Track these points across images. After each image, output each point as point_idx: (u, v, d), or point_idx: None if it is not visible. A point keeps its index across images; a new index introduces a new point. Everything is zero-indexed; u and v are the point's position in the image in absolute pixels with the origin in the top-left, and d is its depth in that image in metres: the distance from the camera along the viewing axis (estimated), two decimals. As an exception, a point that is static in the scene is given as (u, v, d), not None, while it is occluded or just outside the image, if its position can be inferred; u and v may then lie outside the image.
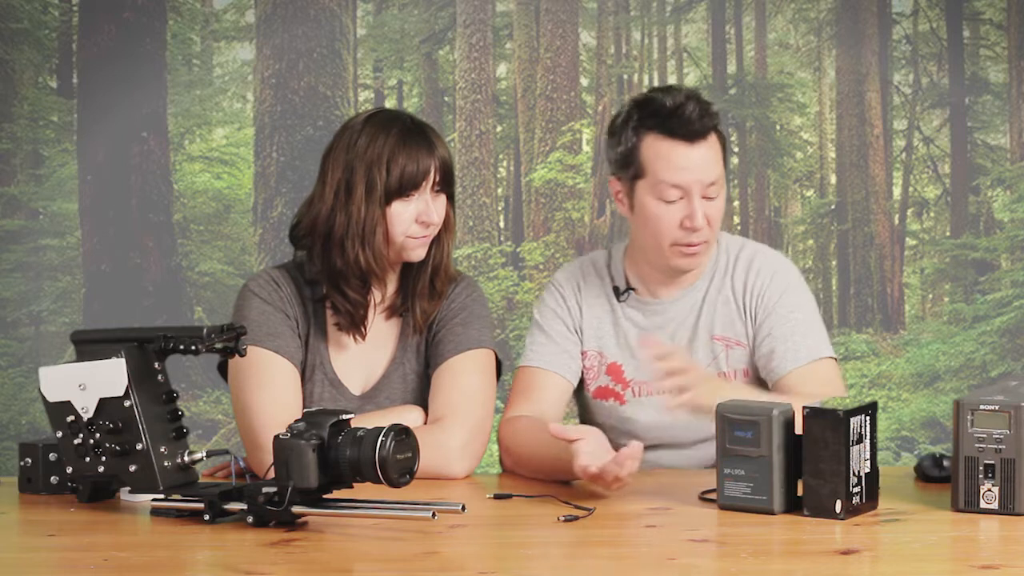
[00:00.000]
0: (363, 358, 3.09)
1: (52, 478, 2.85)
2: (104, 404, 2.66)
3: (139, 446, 2.65)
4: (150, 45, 5.40)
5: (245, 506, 2.58)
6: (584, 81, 5.51)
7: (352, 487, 2.56)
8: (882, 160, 5.52)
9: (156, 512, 2.67)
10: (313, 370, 3.06)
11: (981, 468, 2.57)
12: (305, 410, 2.61)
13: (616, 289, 3.16)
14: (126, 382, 2.65)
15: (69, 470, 2.71)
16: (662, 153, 3.01)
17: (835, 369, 3.10)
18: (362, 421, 2.66)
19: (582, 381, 3.19)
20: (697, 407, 2.79)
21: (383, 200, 2.97)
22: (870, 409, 2.61)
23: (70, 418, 2.69)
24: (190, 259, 5.45)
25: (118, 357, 2.65)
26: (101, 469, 2.68)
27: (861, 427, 2.58)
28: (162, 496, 2.66)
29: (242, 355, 2.70)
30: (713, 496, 2.68)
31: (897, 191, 5.53)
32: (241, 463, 2.85)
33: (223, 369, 3.06)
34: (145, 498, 2.70)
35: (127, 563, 2.42)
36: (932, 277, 5.53)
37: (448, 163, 3.02)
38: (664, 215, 3.02)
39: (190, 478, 2.70)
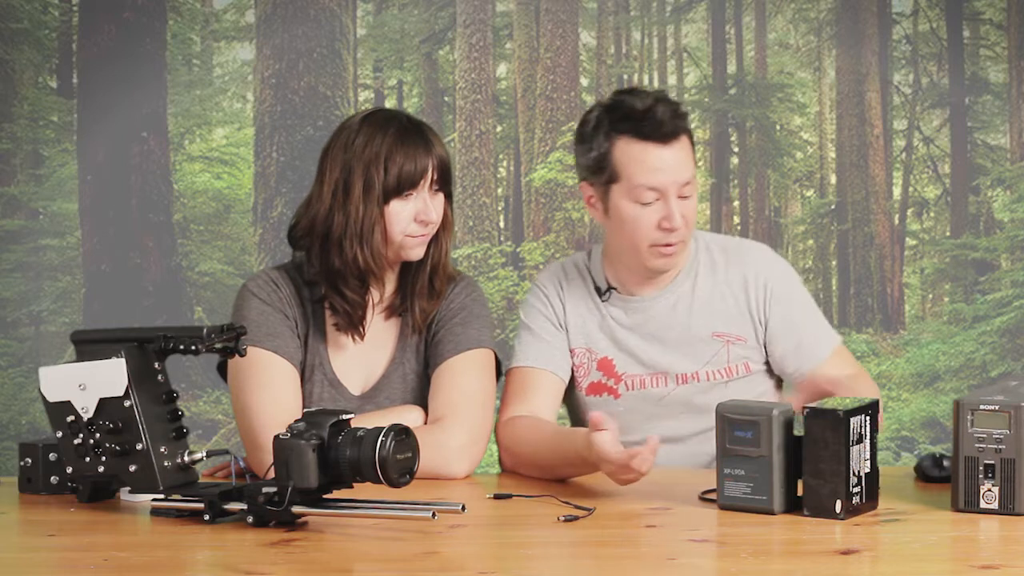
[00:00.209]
0: (362, 358, 3.09)
1: (52, 478, 2.85)
2: (104, 404, 2.66)
3: (139, 446, 2.65)
4: (150, 45, 5.40)
5: (245, 506, 2.58)
6: (584, 81, 5.51)
7: (352, 487, 2.56)
8: (882, 160, 5.53)
9: (156, 512, 2.67)
10: (312, 370, 3.06)
11: (981, 468, 2.57)
12: (305, 410, 2.61)
13: (598, 289, 3.18)
14: (126, 382, 2.65)
15: (69, 470, 2.71)
16: (636, 156, 3.03)
17: (847, 349, 3.25)
18: (362, 421, 2.66)
19: (572, 380, 3.19)
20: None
21: (381, 199, 2.97)
22: (870, 409, 2.61)
23: (70, 418, 2.69)
24: (190, 259, 5.45)
25: (118, 357, 2.65)
26: (101, 469, 2.68)
27: (861, 427, 2.58)
28: (162, 496, 2.66)
29: (242, 355, 2.70)
30: (713, 496, 2.68)
31: (897, 191, 5.53)
32: (241, 463, 2.85)
33: (222, 370, 3.06)
34: (145, 498, 2.70)
35: (127, 563, 2.42)
36: (932, 277, 5.53)
37: (446, 162, 3.02)
38: (641, 217, 3.04)
39: (190, 478, 2.70)
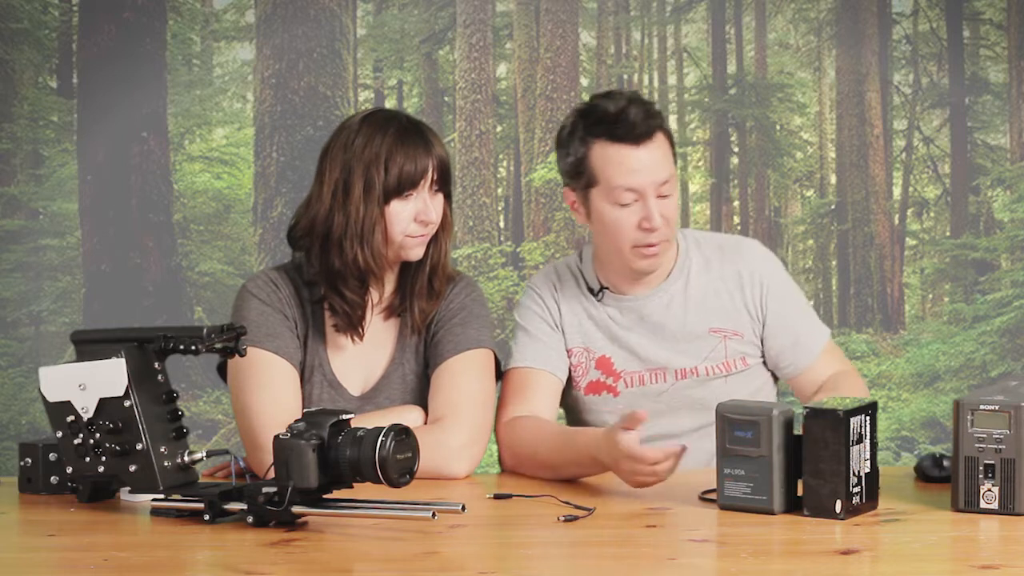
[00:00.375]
0: (362, 359, 3.09)
1: (52, 478, 2.85)
2: (104, 404, 2.66)
3: (139, 446, 2.65)
4: (150, 45, 5.40)
5: (245, 506, 2.58)
6: (584, 81, 5.51)
7: (352, 487, 2.56)
8: (882, 160, 5.53)
9: (156, 512, 2.67)
10: (312, 371, 3.06)
11: (981, 468, 2.57)
12: (305, 410, 2.61)
13: (591, 290, 3.19)
14: (126, 382, 2.65)
15: (69, 470, 2.71)
16: (612, 158, 3.04)
17: (833, 343, 3.27)
18: (362, 421, 2.66)
19: (570, 381, 3.19)
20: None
21: (381, 199, 2.97)
22: (870, 409, 2.61)
23: (70, 418, 2.69)
24: (190, 259, 5.45)
25: (118, 357, 2.65)
26: (101, 469, 2.68)
27: (861, 427, 2.58)
28: (162, 496, 2.66)
29: (242, 355, 2.70)
30: (713, 496, 2.68)
31: (897, 191, 5.53)
32: (241, 463, 2.85)
33: (222, 371, 3.06)
34: (145, 498, 2.70)
35: (127, 563, 2.42)
36: (932, 277, 5.53)
37: (445, 162, 3.02)
38: (621, 219, 3.05)
39: (190, 478, 2.70)
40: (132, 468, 2.66)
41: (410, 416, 2.98)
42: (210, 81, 5.47)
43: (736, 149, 5.56)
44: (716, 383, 3.14)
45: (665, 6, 5.50)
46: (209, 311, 5.42)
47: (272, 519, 2.56)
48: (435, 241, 3.04)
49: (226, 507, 2.60)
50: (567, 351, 3.19)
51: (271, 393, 2.97)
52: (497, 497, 2.79)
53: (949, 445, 2.67)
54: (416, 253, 3.02)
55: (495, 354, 3.10)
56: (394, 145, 2.97)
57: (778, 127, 5.54)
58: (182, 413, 2.71)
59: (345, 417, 2.57)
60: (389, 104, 5.49)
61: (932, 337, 5.47)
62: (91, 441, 2.67)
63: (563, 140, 3.11)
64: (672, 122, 5.54)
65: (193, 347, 2.64)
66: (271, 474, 2.57)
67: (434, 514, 2.48)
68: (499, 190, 5.52)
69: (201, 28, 5.47)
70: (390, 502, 2.54)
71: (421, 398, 3.06)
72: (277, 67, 5.42)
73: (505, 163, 5.54)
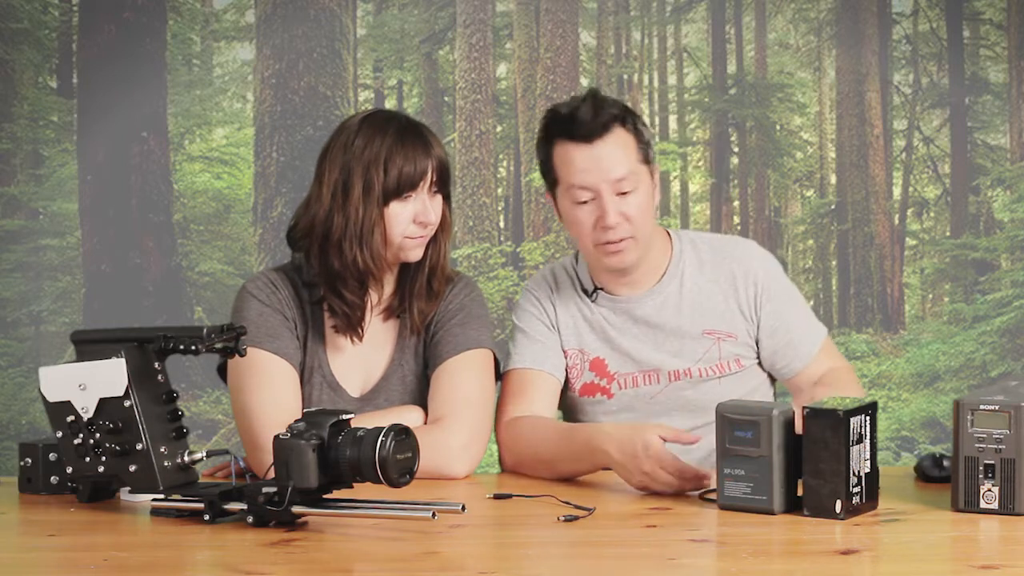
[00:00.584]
0: (361, 360, 3.09)
1: (52, 478, 2.85)
2: (104, 404, 2.66)
3: (139, 446, 2.65)
4: (150, 45, 5.40)
5: (245, 506, 2.58)
6: (584, 81, 5.51)
7: (352, 487, 2.56)
8: (882, 160, 5.53)
9: (156, 512, 2.67)
10: (312, 373, 3.06)
11: (981, 468, 2.57)
12: (305, 410, 2.61)
13: (585, 291, 3.20)
14: (126, 382, 2.65)
15: (69, 470, 2.71)
16: (566, 157, 3.07)
17: (832, 342, 3.26)
18: (362, 421, 2.66)
19: (566, 382, 3.20)
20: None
21: (381, 201, 2.97)
22: (870, 409, 2.61)
23: (70, 418, 2.69)
24: (190, 259, 5.45)
25: (118, 357, 2.65)
26: (101, 469, 2.68)
27: (861, 427, 2.58)
28: (162, 496, 2.66)
29: (242, 355, 2.70)
30: (713, 496, 2.68)
31: (897, 191, 5.53)
32: (241, 463, 2.85)
33: (222, 372, 3.06)
34: (145, 498, 2.70)
35: (127, 563, 2.42)
36: (932, 277, 5.53)
37: (445, 163, 3.02)
38: (581, 217, 3.07)
39: (190, 478, 2.70)
40: (132, 468, 2.66)
41: (410, 416, 2.98)
42: (210, 81, 5.47)
43: (736, 149, 5.56)
44: (710, 384, 3.14)
45: (665, 6, 5.50)
46: (209, 311, 5.42)
47: (272, 519, 2.56)
48: (434, 242, 3.04)
49: (226, 507, 2.60)
50: (563, 352, 3.19)
51: (271, 393, 2.97)
52: (497, 497, 2.79)
53: (949, 445, 2.67)
54: (415, 254, 3.02)
55: (494, 354, 3.10)
56: (394, 146, 2.97)
57: (778, 127, 5.54)
58: (182, 413, 2.71)
59: (345, 417, 2.57)
60: (389, 104, 5.49)
61: (932, 337, 5.47)
62: (91, 441, 2.67)
63: (536, 144, 3.16)
64: (672, 122, 5.54)
65: (193, 347, 2.64)
66: (271, 474, 2.57)
67: (434, 514, 2.48)
68: (499, 190, 5.52)
69: (201, 28, 5.47)
70: (390, 502, 2.54)
71: (420, 399, 3.06)
72: (277, 67, 5.42)
73: (505, 163, 5.54)
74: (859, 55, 5.48)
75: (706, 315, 3.16)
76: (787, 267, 5.47)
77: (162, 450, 2.66)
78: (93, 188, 5.38)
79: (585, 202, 3.06)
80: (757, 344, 3.18)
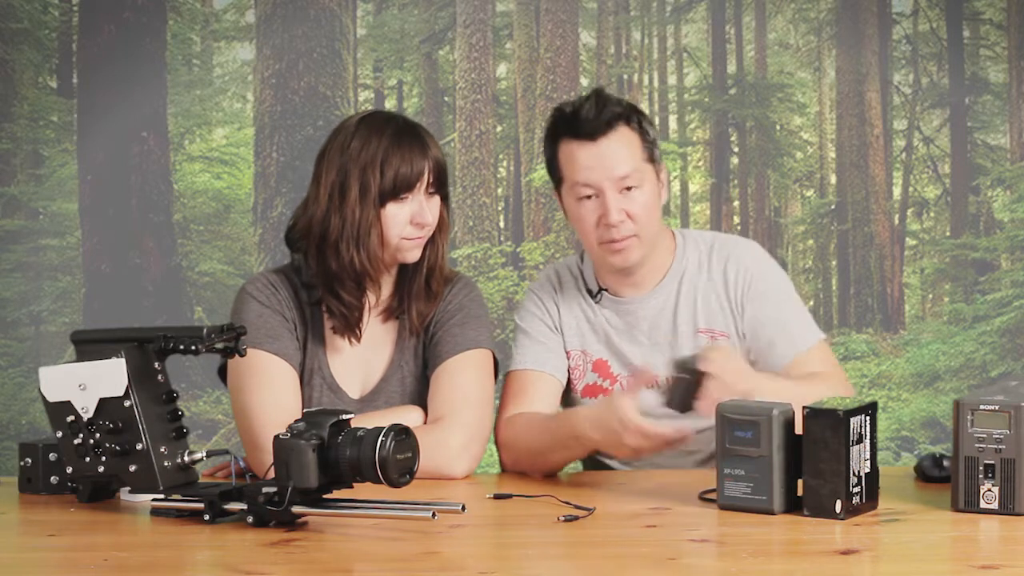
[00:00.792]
0: (361, 361, 3.09)
1: (52, 478, 2.86)
2: (104, 404, 2.66)
3: (139, 446, 2.65)
4: (150, 45, 5.40)
5: (245, 506, 2.58)
6: (584, 81, 5.51)
7: (352, 487, 2.56)
8: (882, 160, 5.53)
9: (156, 512, 2.67)
10: (311, 374, 3.06)
11: (981, 468, 2.57)
12: (305, 410, 2.61)
13: (590, 291, 3.19)
14: (126, 382, 2.65)
15: (69, 470, 2.71)
16: (570, 155, 3.07)
17: (829, 349, 3.19)
18: (362, 421, 2.66)
19: (568, 383, 3.20)
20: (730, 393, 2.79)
21: (377, 202, 2.97)
22: (870, 409, 2.61)
23: (70, 418, 2.69)
24: (190, 259, 5.45)
25: (118, 357, 2.65)
26: (101, 469, 2.68)
27: (861, 427, 2.58)
28: (162, 496, 2.66)
29: (242, 355, 2.70)
30: (713, 496, 2.68)
31: (897, 191, 5.53)
32: (241, 463, 2.85)
33: (223, 374, 3.06)
34: (145, 498, 2.70)
35: (127, 563, 2.42)
36: (932, 277, 5.53)
37: (441, 164, 3.02)
38: (584, 216, 3.07)
39: (190, 478, 2.70)
40: (132, 468, 2.66)
41: (410, 416, 2.98)
42: (210, 81, 5.47)
43: (736, 149, 5.56)
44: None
45: (665, 6, 5.50)
46: (209, 311, 5.42)
47: (272, 519, 2.56)
48: (432, 243, 3.04)
49: (226, 507, 2.60)
50: (566, 353, 3.19)
51: (271, 394, 2.97)
52: (497, 497, 2.79)
53: (949, 445, 2.67)
54: (413, 255, 3.02)
55: (493, 354, 3.10)
56: (390, 148, 2.97)
57: (778, 127, 5.54)
58: (182, 413, 2.71)
59: (345, 417, 2.57)
60: (389, 104, 5.49)
61: (932, 337, 5.47)
62: (91, 441, 2.67)
63: (544, 143, 3.15)
64: (672, 122, 5.54)
65: (193, 347, 2.65)
66: (271, 474, 2.58)
67: (434, 514, 2.48)
68: (499, 190, 5.52)
69: (201, 28, 5.47)
70: (390, 502, 2.54)
71: (420, 400, 3.06)
72: (277, 67, 5.42)
73: (505, 163, 5.54)
74: (859, 55, 5.48)
75: (700, 313, 3.15)
76: (787, 267, 5.47)
77: (162, 450, 2.66)
78: (93, 188, 5.38)
79: (589, 199, 3.05)
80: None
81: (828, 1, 5.48)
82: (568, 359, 3.19)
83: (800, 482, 2.60)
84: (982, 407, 2.57)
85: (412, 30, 5.48)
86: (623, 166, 3.04)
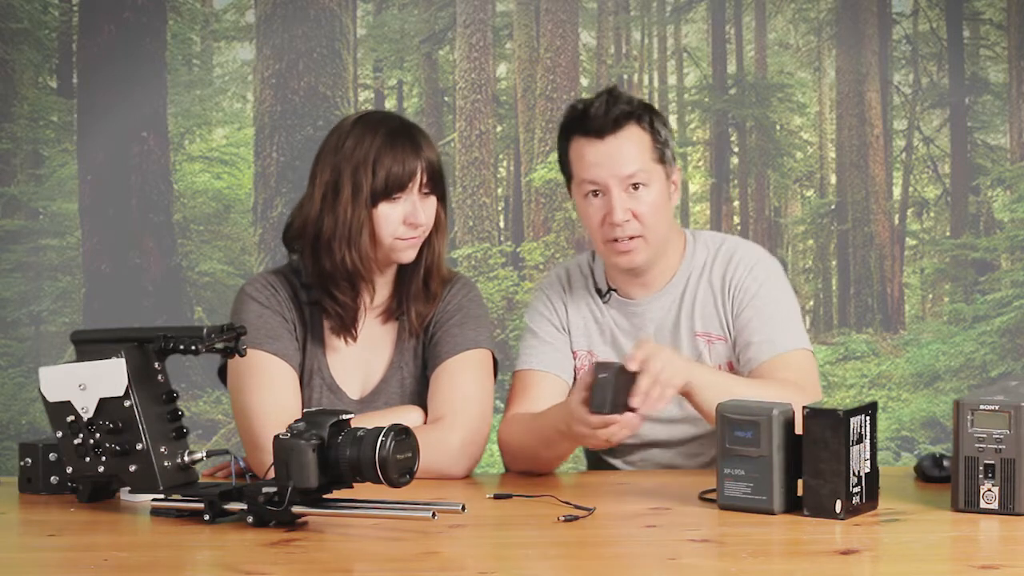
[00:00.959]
0: (361, 363, 3.09)
1: (52, 478, 2.86)
2: (104, 404, 2.66)
3: (139, 446, 2.65)
4: (150, 45, 5.40)
5: (245, 506, 2.58)
6: (584, 81, 5.51)
7: (352, 487, 2.56)
8: (882, 160, 5.53)
9: (156, 512, 2.67)
10: (311, 375, 3.06)
11: (981, 468, 2.57)
12: (305, 410, 2.61)
13: (599, 291, 3.19)
14: (126, 382, 2.65)
15: (69, 470, 2.71)
16: (579, 152, 3.06)
17: (810, 361, 3.09)
18: (362, 421, 2.66)
19: (574, 383, 3.19)
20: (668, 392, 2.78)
21: (369, 202, 2.97)
22: (870, 409, 2.61)
23: (70, 418, 2.69)
24: (190, 259, 5.45)
25: (118, 357, 2.65)
26: (101, 469, 2.68)
27: (861, 427, 2.58)
28: (162, 496, 2.66)
29: (242, 355, 2.70)
30: (713, 496, 2.68)
31: (897, 191, 5.53)
32: (241, 463, 2.85)
33: (223, 375, 3.06)
34: (145, 498, 2.70)
35: (127, 563, 2.42)
36: (932, 277, 5.53)
37: (435, 165, 3.01)
38: (590, 213, 3.06)
39: (190, 478, 2.70)
40: (132, 468, 2.66)
41: (410, 416, 2.98)
42: (210, 81, 5.47)
43: (736, 149, 5.56)
44: None
45: (665, 6, 5.50)
46: (209, 311, 5.42)
47: (272, 519, 2.56)
48: (428, 243, 3.04)
49: (226, 507, 2.60)
50: (572, 352, 3.19)
51: (271, 394, 2.97)
52: (497, 497, 2.79)
53: (949, 445, 2.67)
54: (407, 256, 3.02)
55: (493, 354, 3.10)
56: (382, 147, 2.97)
57: (778, 127, 5.54)
58: (182, 413, 2.71)
59: (345, 417, 2.57)
60: (389, 104, 5.49)
61: (932, 337, 5.47)
62: (91, 441, 2.67)
63: (557, 139, 3.15)
64: (672, 122, 5.54)
65: (193, 347, 2.65)
66: (271, 474, 2.58)
67: (434, 514, 2.48)
68: (499, 190, 5.52)
69: (201, 28, 5.47)
70: (390, 502, 2.54)
71: (420, 401, 3.06)
72: (277, 67, 5.42)
73: (505, 163, 5.54)
74: (859, 55, 5.48)
75: (699, 317, 3.13)
76: (787, 267, 5.47)
77: (162, 450, 2.66)
78: (93, 188, 5.38)
79: (595, 197, 3.04)
80: None
81: (828, 1, 5.48)
82: (575, 359, 3.19)
83: (800, 482, 2.60)
84: (982, 407, 2.57)
85: (412, 30, 5.48)
86: (630, 165, 3.03)
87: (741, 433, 2.61)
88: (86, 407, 2.67)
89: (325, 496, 2.56)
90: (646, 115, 3.06)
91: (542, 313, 3.21)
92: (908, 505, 2.68)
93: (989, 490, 2.57)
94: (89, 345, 2.70)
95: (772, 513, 2.60)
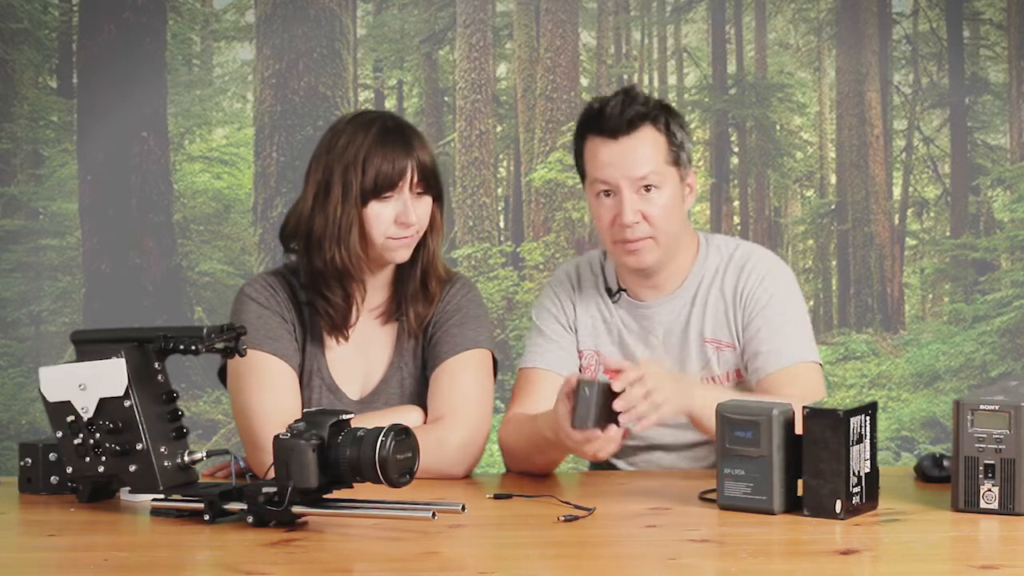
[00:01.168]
0: (360, 363, 3.09)
1: (52, 478, 2.85)
2: (104, 404, 2.66)
3: (139, 446, 2.65)
4: (150, 45, 5.40)
5: (245, 506, 2.58)
6: (584, 81, 5.51)
7: (352, 487, 2.56)
8: (882, 160, 5.53)
9: (156, 512, 2.67)
10: (311, 376, 3.06)
11: (981, 468, 2.57)
12: (305, 410, 2.61)
13: (609, 290, 3.18)
14: (126, 382, 2.65)
15: (69, 470, 2.71)
16: (592, 152, 3.05)
17: (817, 374, 3.08)
18: (362, 421, 2.66)
19: None
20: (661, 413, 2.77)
21: (359, 201, 2.97)
22: (870, 409, 2.61)
23: (70, 418, 2.69)
24: (190, 259, 5.45)
25: (118, 357, 2.65)
26: (101, 469, 2.68)
27: (861, 427, 2.58)
28: (162, 496, 2.66)
29: (242, 355, 2.70)
30: (713, 496, 2.68)
31: (897, 191, 5.53)
32: (241, 463, 2.85)
33: (223, 375, 3.06)
34: (145, 498, 2.70)
35: (127, 563, 2.42)
36: (932, 277, 5.53)
37: (428, 165, 3.00)
38: (601, 213, 3.06)
39: (190, 478, 2.70)
40: (132, 468, 2.66)
41: (410, 416, 2.98)
42: (210, 81, 5.47)
43: (736, 149, 5.56)
44: None
45: (665, 6, 5.50)
46: (209, 311, 5.42)
47: (272, 519, 2.56)
48: (423, 244, 3.03)
49: (226, 507, 2.60)
50: (578, 352, 3.18)
51: (271, 394, 2.97)
52: (497, 497, 2.79)
53: (949, 445, 2.67)
54: (400, 255, 3.01)
55: (493, 354, 3.10)
56: (372, 146, 2.97)
57: (778, 127, 5.54)
58: (182, 413, 2.71)
59: (345, 417, 2.57)
60: (389, 104, 5.49)
61: (932, 337, 5.47)
62: (91, 441, 2.67)
63: (573, 137, 3.14)
64: (672, 122, 5.53)
65: (193, 347, 2.65)
66: (271, 474, 2.58)
67: (434, 514, 2.48)
68: (499, 190, 5.52)
69: (201, 28, 5.47)
70: (390, 502, 2.54)
71: (420, 401, 3.06)
72: (277, 67, 5.42)
73: (505, 163, 5.54)
74: (859, 55, 5.48)
75: (708, 323, 3.11)
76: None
77: (162, 450, 2.66)
78: (93, 188, 5.38)
79: (607, 197, 3.04)
80: None
81: (828, 1, 5.48)
82: (580, 359, 3.18)
83: (800, 482, 2.60)
84: (982, 407, 2.57)
85: (412, 30, 5.48)
86: (643, 166, 3.01)
87: (741, 433, 2.61)
88: (86, 407, 2.67)
89: (325, 496, 2.56)
90: (662, 116, 3.04)
91: (550, 310, 3.19)
92: (908, 505, 2.68)
93: (989, 490, 2.57)
94: (89, 345, 2.70)
95: (772, 513, 2.60)
